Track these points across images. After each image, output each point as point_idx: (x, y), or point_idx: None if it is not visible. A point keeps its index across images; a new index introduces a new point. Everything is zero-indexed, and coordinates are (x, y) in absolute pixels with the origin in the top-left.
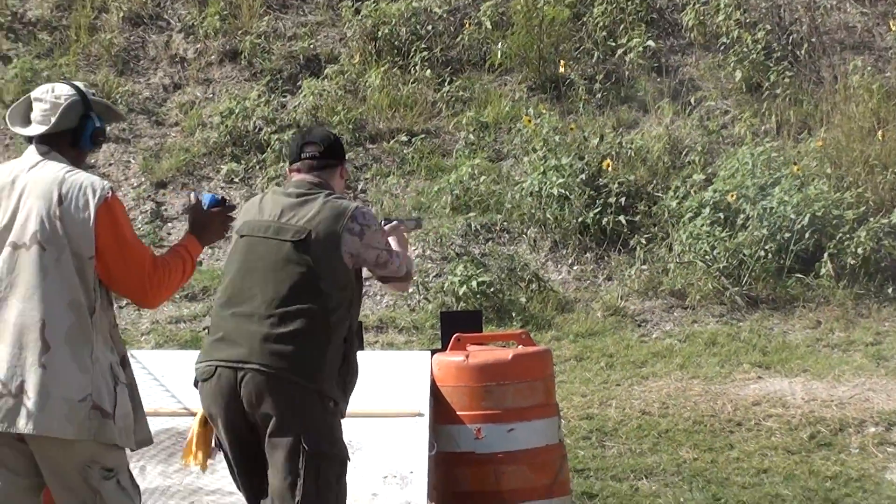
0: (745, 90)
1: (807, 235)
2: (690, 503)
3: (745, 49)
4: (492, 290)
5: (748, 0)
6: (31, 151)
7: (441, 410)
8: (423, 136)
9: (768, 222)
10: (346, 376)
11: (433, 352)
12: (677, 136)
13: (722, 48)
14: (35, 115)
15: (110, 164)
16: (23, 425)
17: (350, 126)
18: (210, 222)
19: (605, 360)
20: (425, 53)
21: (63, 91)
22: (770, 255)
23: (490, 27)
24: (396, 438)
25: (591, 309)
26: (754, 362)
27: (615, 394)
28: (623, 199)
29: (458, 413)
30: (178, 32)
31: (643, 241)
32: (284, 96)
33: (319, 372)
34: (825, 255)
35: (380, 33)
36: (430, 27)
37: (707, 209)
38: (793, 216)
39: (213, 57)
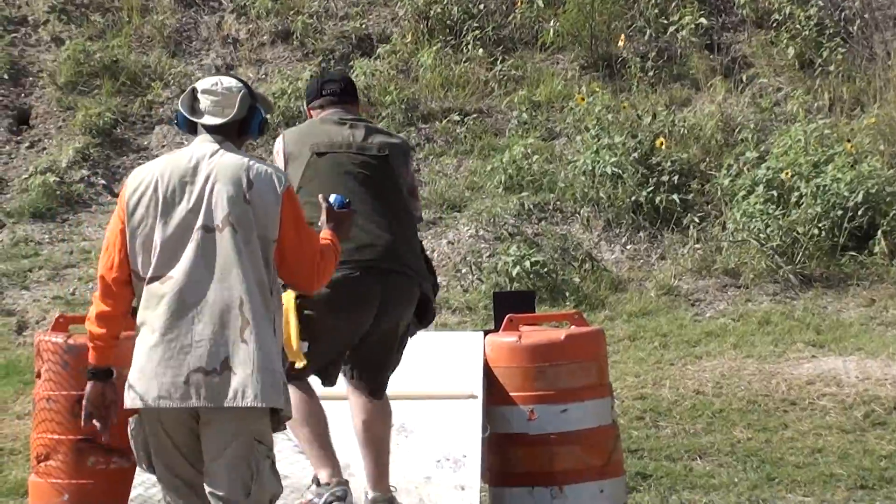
0: (797, 67)
1: (860, 213)
2: (744, 483)
3: (798, 26)
4: (545, 270)
5: None
6: (206, 139)
7: (494, 392)
8: (475, 115)
9: (822, 200)
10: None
11: (486, 333)
12: (730, 114)
13: (774, 25)
14: (205, 106)
15: (163, 147)
16: (231, 399)
17: (402, 106)
18: (342, 221)
19: (659, 340)
20: (477, 32)
21: (232, 83)
22: (823, 233)
23: (542, 5)
24: (449, 421)
25: (645, 288)
26: (808, 341)
27: (669, 374)
28: (676, 178)
29: (511, 394)
30: (230, 13)
31: (696, 219)
32: None
33: (424, 277)
34: (879, 232)
35: (432, 12)
36: (482, 6)
37: (760, 187)
38: (846, 193)
39: (265, 37)
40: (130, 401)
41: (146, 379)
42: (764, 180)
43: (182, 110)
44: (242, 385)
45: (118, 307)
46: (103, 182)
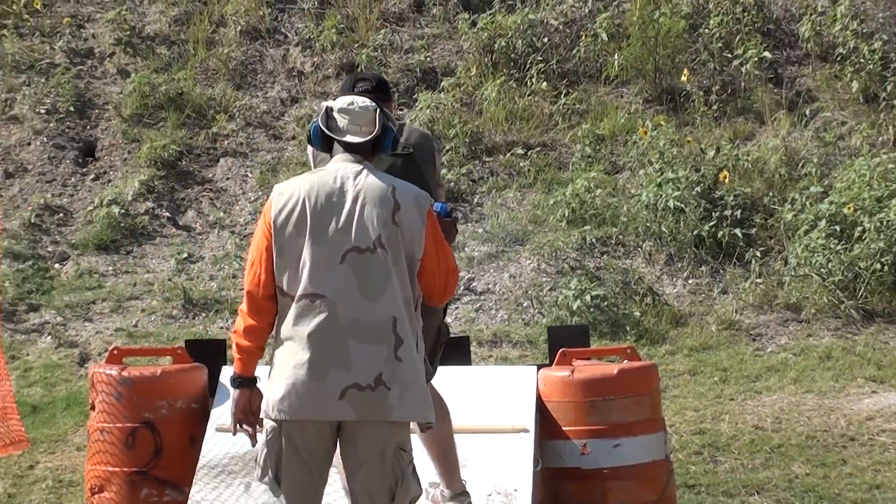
0: (861, 101)
1: None
2: None
3: (862, 60)
4: (606, 303)
5: (865, 10)
6: (346, 159)
7: (546, 426)
8: (538, 148)
9: (885, 235)
10: None
11: (539, 367)
12: (794, 148)
13: (839, 59)
14: (343, 124)
15: (228, 178)
16: (387, 414)
17: (466, 139)
18: (448, 229)
19: (719, 375)
20: (541, 66)
21: (367, 102)
22: (886, 268)
23: (606, 39)
24: (501, 454)
25: (706, 323)
26: (869, 376)
27: (728, 408)
28: (739, 212)
29: (563, 428)
30: (295, 46)
31: (758, 253)
32: (401, 109)
33: None
34: None
35: (496, 46)
36: (546, 39)
37: (823, 221)
38: None
39: (329, 70)
40: (279, 413)
41: (298, 393)
42: (827, 215)
43: (322, 127)
44: (398, 400)
45: (263, 321)
46: (168, 214)
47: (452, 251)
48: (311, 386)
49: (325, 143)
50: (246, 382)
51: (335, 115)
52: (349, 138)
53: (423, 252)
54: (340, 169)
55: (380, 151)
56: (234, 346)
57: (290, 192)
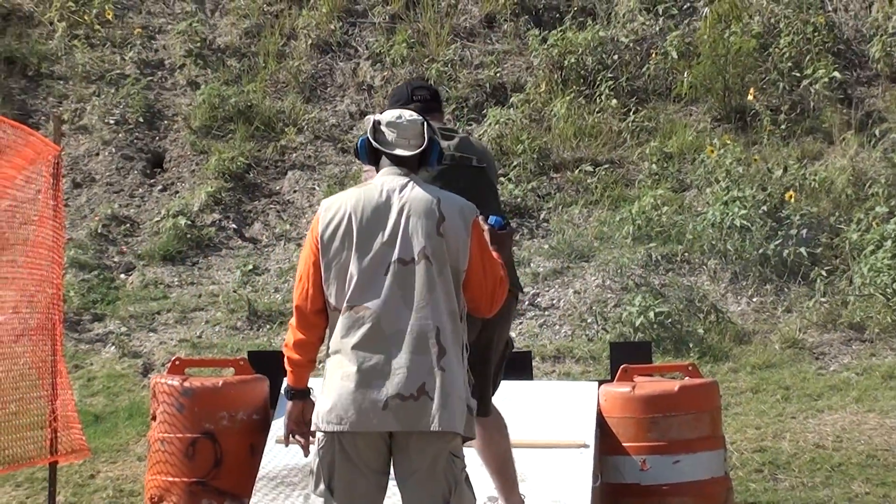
0: None
1: None
2: None
3: None
4: (669, 320)
5: None
6: (392, 172)
7: (607, 441)
8: (606, 165)
9: None
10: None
11: (600, 383)
12: (861, 168)
13: None
14: (392, 138)
15: (295, 191)
16: (427, 423)
17: (534, 155)
18: (504, 242)
19: (781, 393)
20: (611, 83)
21: (414, 116)
22: None
23: (676, 57)
24: (562, 470)
25: (769, 341)
26: None
27: (789, 426)
28: (804, 231)
29: (623, 444)
30: (366, 60)
31: (823, 273)
32: (470, 124)
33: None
34: None
35: (566, 62)
36: (616, 56)
37: (889, 242)
38: None
39: (400, 84)
40: (327, 424)
41: (344, 404)
42: (893, 235)
43: (372, 140)
44: (440, 410)
45: (313, 335)
46: (234, 226)
47: (513, 264)
48: (356, 397)
49: (372, 156)
50: (299, 394)
51: (383, 128)
52: (398, 151)
53: (468, 263)
54: (387, 182)
55: (426, 164)
56: (286, 359)
57: (336, 207)
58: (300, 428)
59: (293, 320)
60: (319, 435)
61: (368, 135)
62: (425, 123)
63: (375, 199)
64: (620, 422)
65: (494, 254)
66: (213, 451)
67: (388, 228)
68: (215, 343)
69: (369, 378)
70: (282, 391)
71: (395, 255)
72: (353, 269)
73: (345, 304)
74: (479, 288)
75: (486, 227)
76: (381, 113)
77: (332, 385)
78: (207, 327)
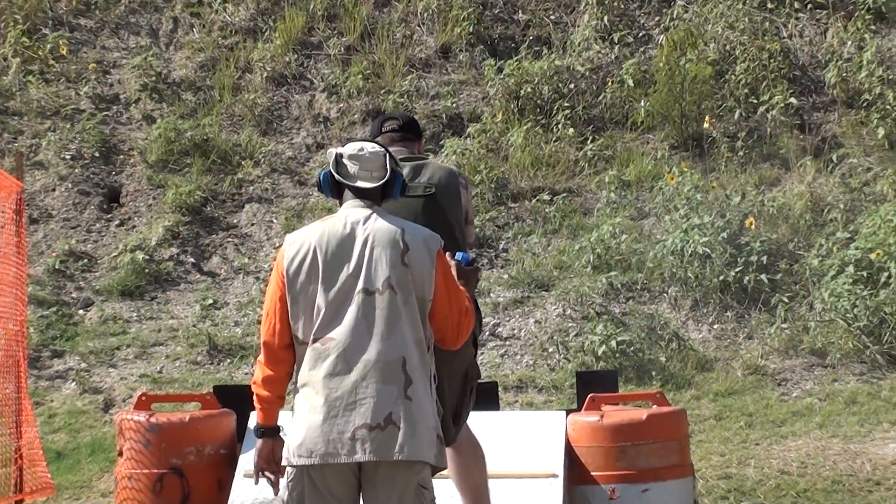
0: (887, 147)
1: None
2: None
3: (888, 106)
4: (631, 349)
5: (891, 57)
6: (356, 205)
7: (575, 471)
8: (564, 194)
9: None
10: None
11: (568, 412)
12: (819, 194)
13: (864, 105)
14: (354, 170)
15: (252, 224)
16: (395, 453)
17: (492, 185)
18: (470, 278)
19: (745, 420)
20: (567, 112)
21: (376, 148)
22: None
23: (632, 85)
24: (531, 500)
25: (732, 368)
26: (894, 421)
27: (754, 453)
28: (764, 258)
29: (592, 473)
30: (322, 92)
31: (784, 299)
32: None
33: None
34: None
35: (522, 92)
36: (572, 85)
37: (849, 267)
38: None
39: (355, 116)
40: (298, 458)
41: (313, 437)
42: (853, 260)
43: (334, 173)
44: (408, 439)
45: (281, 370)
46: (192, 260)
47: (475, 297)
48: (324, 429)
49: (335, 189)
50: (269, 432)
51: (345, 161)
52: (360, 184)
53: (433, 293)
54: (350, 214)
55: (388, 196)
56: (254, 396)
57: (301, 241)
58: (270, 466)
59: (261, 357)
60: (289, 469)
61: (331, 168)
62: (387, 155)
63: (340, 231)
64: (589, 451)
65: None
66: (181, 486)
67: (353, 260)
68: (176, 378)
69: (336, 410)
70: (251, 428)
71: (360, 286)
72: (320, 301)
73: (312, 337)
74: (445, 318)
75: (452, 263)
76: (341, 146)
77: (301, 418)
78: (168, 362)
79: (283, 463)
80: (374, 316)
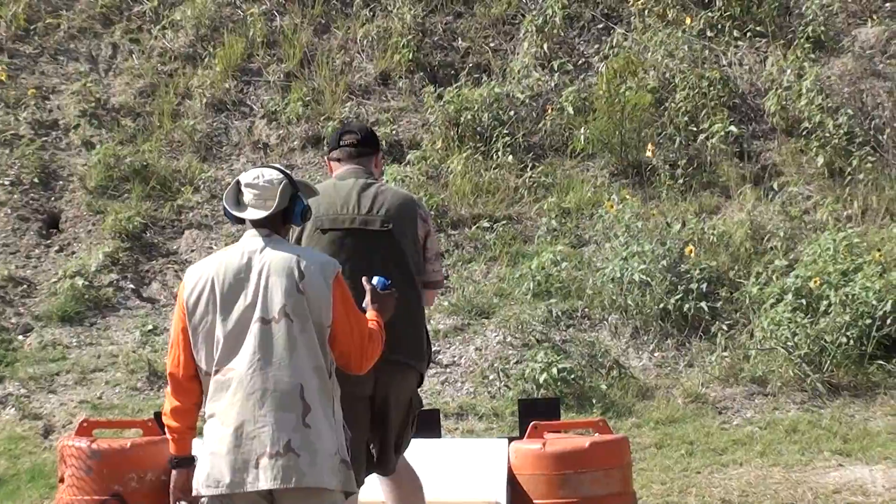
0: (827, 175)
1: (889, 322)
2: None
3: (828, 134)
4: (572, 377)
5: (830, 86)
6: (253, 234)
7: (518, 499)
8: (504, 221)
9: (850, 309)
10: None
11: (510, 440)
12: (759, 222)
13: (804, 133)
14: (248, 199)
15: (192, 251)
16: (298, 480)
17: (433, 212)
18: (385, 302)
19: (686, 448)
20: (507, 139)
21: (273, 175)
22: (852, 342)
23: (572, 112)
24: None
25: (672, 396)
26: (835, 450)
27: (695, 481)
28: (704, 286)
29: (535, 501)
30: (261, 118)
31: (724, 327)
32: None
33: (420, 359)
34: None
35: (462, 119)
36: (512, 113)
37: (789, 295)
38: (875, 302)
39: (295, 142)
40: (206, 488)
41: (220, 467)
42: (793, 288)
43: (226, 205)
44: (309, 467)
45: (189, 401)
46: (132, 286)
47: (426, 327)
48: (228, 459)
49: (235, 216)
50: (182, 462)
51: (243, 188)
52: (250, 213)
53: (332, 318)
54: (248, 244)
55: (288, 222)
56: (166, 428)
57: (199, 274)
58: (186, 496)
59: (168, 388)
60: (203, 500)
61: (225, 197)
62: (285, 182)
63: (236, 262)
64: (531, 479)
65: (374, 313)
66: None
67: (250, 290)
68: (116, 404)
69: (240, 440)
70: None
71: (257, 315)
72: (219, 333)
73: (214, 368)
74: (348, 343)
75: (368, 287)
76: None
77: (209, 448)
78: (108, 388)
79: (194, 493)
80: (271, 345)
